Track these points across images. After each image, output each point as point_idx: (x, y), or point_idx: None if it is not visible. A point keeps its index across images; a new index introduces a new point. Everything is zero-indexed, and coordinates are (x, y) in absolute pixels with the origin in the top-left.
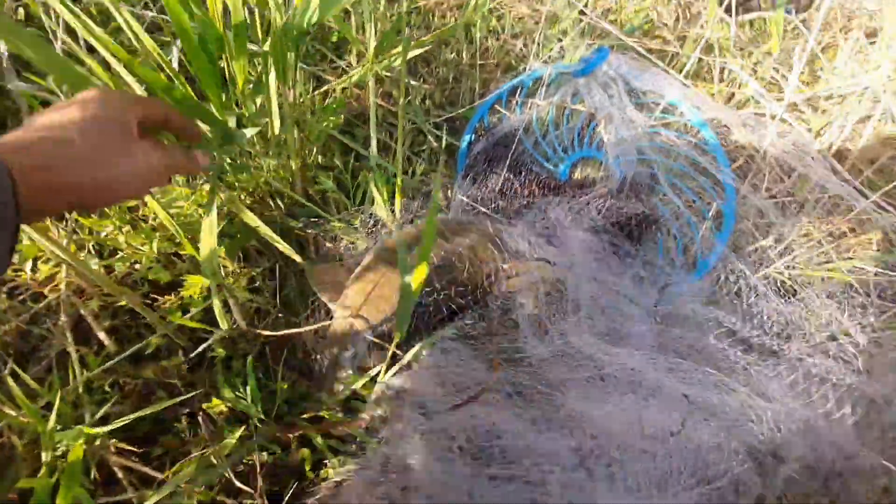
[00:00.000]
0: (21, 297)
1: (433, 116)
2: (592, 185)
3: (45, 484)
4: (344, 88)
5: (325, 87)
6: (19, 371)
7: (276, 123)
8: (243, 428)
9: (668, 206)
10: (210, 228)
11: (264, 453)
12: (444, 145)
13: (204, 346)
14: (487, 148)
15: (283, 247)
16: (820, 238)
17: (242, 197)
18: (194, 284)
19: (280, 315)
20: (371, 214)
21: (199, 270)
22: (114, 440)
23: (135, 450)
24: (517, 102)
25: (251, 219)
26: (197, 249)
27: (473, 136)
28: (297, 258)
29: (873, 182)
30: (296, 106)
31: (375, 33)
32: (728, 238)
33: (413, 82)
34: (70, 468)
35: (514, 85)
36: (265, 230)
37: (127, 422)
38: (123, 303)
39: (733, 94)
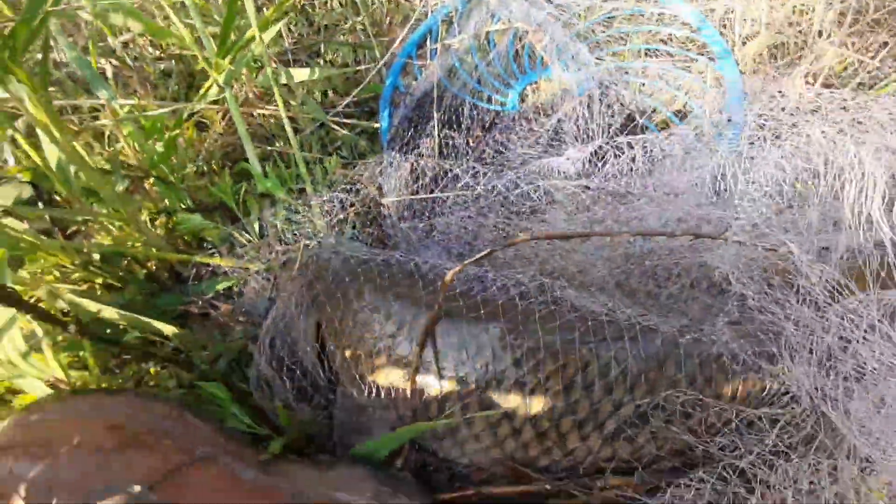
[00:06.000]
0: None
1: (338, 105)
2: (553, 107)
3: None
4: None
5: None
6: None
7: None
8: None
9: (652, 95)
10: None
11: None
12: (358, 132)
13: None
14: (408, 114)
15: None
16: None
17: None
18: None
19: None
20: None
21: None
22: None
23: None
24: (430, 51)
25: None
26: None
27: (391, 106)
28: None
29: None
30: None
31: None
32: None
33: (301, 75)
34: None
35: (422, 34)
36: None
37: None
38: None
39: None
